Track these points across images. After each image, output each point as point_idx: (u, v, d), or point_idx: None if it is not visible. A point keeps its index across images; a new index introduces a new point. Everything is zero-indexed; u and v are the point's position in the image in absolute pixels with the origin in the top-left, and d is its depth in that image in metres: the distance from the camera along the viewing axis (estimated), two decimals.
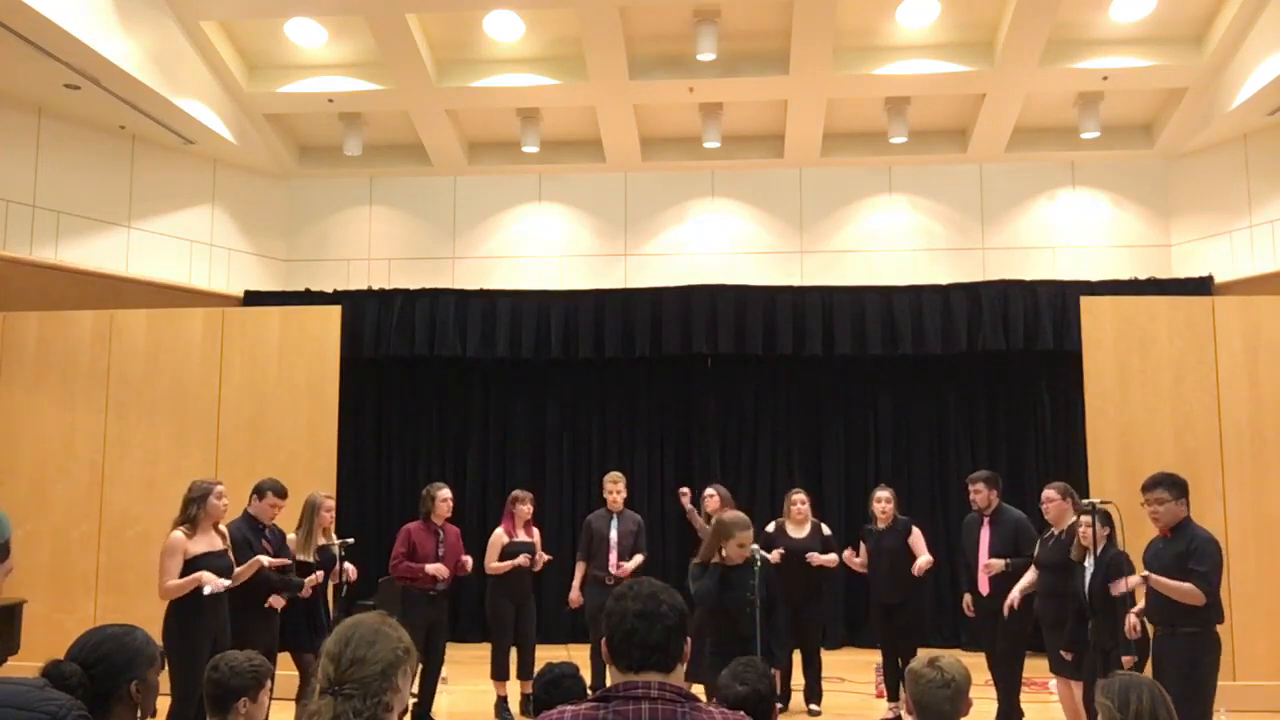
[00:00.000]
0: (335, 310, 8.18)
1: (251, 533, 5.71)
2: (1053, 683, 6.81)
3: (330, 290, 10.07)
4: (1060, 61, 8.64)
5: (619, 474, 7.52)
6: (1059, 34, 8.45)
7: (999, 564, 6.19)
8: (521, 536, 7.06)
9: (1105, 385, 7.37)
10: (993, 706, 6.27)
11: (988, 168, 10.00)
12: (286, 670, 5.93)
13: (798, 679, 7.01)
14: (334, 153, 10.10)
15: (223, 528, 5.45)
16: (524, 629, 6.98)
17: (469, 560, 6.83)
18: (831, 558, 7.13)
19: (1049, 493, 6.04)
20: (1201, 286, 9.25)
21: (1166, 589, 4.81)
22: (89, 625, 2.70)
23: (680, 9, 8.26)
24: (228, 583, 5.14)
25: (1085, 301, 7.70)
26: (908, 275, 9.86)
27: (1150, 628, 5.11)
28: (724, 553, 5.04)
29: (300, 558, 6.06)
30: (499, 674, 6.96)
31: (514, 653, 6.99)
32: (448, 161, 10.14)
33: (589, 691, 3.62)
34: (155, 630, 4.82)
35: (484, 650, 7.18)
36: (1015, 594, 6.09)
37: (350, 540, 6.27)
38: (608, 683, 2.11)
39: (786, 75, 8.74)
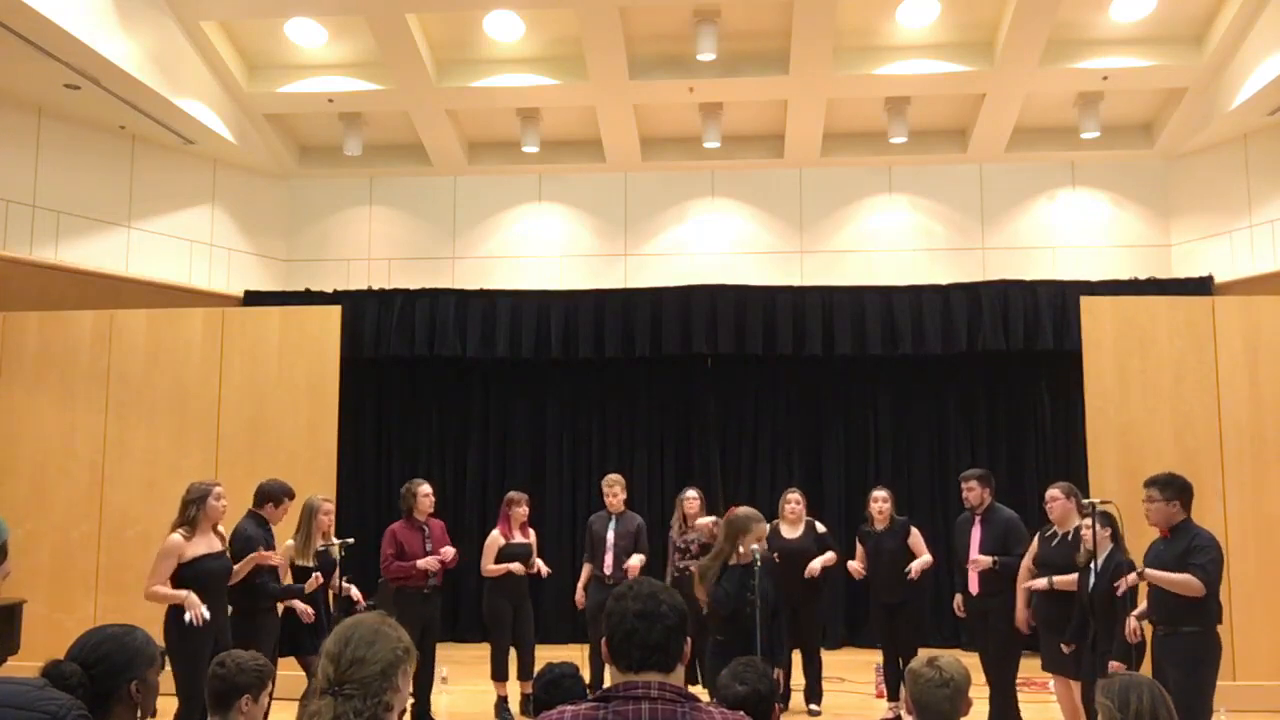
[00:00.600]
0: (335, 310, 8.18)
1: (258, 530, 5.71)
2: (1052, 682, 6.82)
3: (330, 290, 10.07)
4: (1060, 61, 8.64)
5: (618, 476, 7.51)
6: (1059, 34, 8.45)
7: (986, 560, 6.14)
8: (518, 538, 7.05)
9: (1105, 385, 7.37)
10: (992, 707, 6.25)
11: (988, 168, 10.00)
12: (287, 670, 5.93)
13: (798, 679, 7.00)
14: (334, 153, 10.10)
15: (221, 529, 5.44)
16: (522, 629, 6.97)
17: (451, 550, 6.74)
18: (829, 556, 7.09)
19: (1053, 492, 6.02)
20: (1201, 286, 9.26)
21: (1164, 581, 4.81)
22: (89, 625, 2.70)
23: (680, 9, 8.27)
24: (207, 617, 5.00)
25: (1085, 301, 7.70)
26: (908, 275, 9.86)
27: (1149, 628, 5.10)
28: (741, 550, 5.06)
29: (299, 562, 6.05)
30: (498, 674, 6.96)
31: (514, 653, 6.99)
32: (448, 161, 10.14)
33: (589, 691, 3.62)
34: (155, 630, 4.80)
35: (484, 650, 7.18)
36: (1022, 596, 6.07)
37: (350, 540, 6.26)
38: (607, 683, 2.11)
39: (786, 75, 8.74)
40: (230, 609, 5.49)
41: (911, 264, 9.93)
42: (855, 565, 7.09)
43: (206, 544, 5.21)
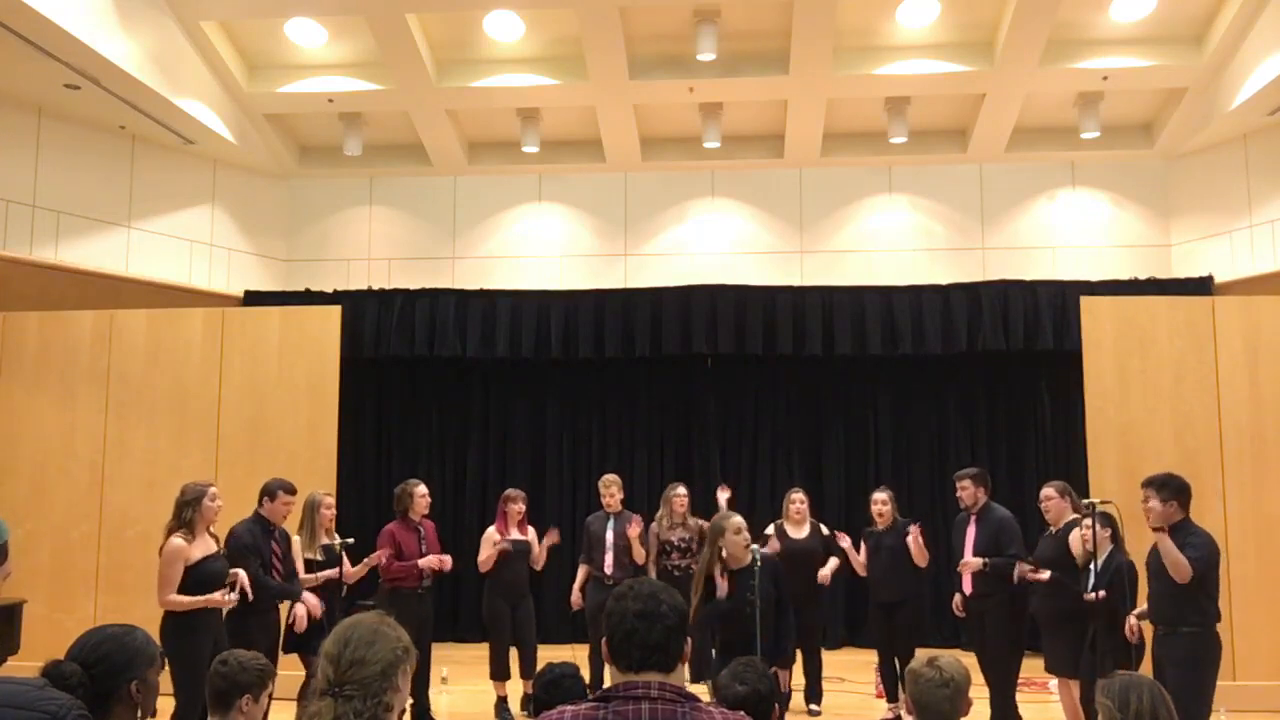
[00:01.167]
0: (335, 310, 8.18)
1: (261, 536, 5.70)
2: (1053, 683, 6.82)
3: (330, 290, 10.07)
4: (1060, 61, 8.64)
5: (615, 476, 7.45)
6: (1059, 34, 8.45)
7: (976, 562, 6.11)
8: (515, 535, 7.05)
9: (1105, 385, 7.37)
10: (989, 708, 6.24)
11: (988, 168, 10.00)
12: (288, 670, 5.92)
13: (798, 679, 6.99)
14: (334, 153, 10.10)
15: (214, 530, 5.41)
16: (522, 630, 6.96)
17: (448, 559, 6.73)
18: (834, 562, 7.15)
19: (1048, 491, 6.04)
20: (1201, 286, 9.25)
21: (1165, 553, 4.77)
22: (89, 625, 2.70)
23: (680, 9, 8.27)
24: (236, 597, 5.06)
25: (1085, 301, 7.70)
26: (908, 275, 9.86)
27: (1148, 629, 5.09)
28: (724, 554, 5.03)
29: (307, 556, 6.08)
30: (499, 674, 6.96)
31: (515, 653, 6.99)
32: (448, 161, 10.14)
33: (589, 692, 3.62)
34: (154, 630, 4.81)
35: (484, 650, 7.18)
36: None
37: (350, 540, 6.26)
38: (607, 683, 2.10)
39: (786, 75, 8.74)
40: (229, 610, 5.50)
41: (911, 264, 9.93)
42: (859, 558, 7.08)
43: (204, 546, 5.19)
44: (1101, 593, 5.10)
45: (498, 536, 6.98)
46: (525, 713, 6.82)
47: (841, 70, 8.77)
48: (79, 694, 2.37)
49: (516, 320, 9.95)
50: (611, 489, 7.33)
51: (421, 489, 6.80)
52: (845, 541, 7.07)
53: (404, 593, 6.48)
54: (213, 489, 5.30)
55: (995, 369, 9.91)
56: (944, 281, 9.79)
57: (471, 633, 9.58)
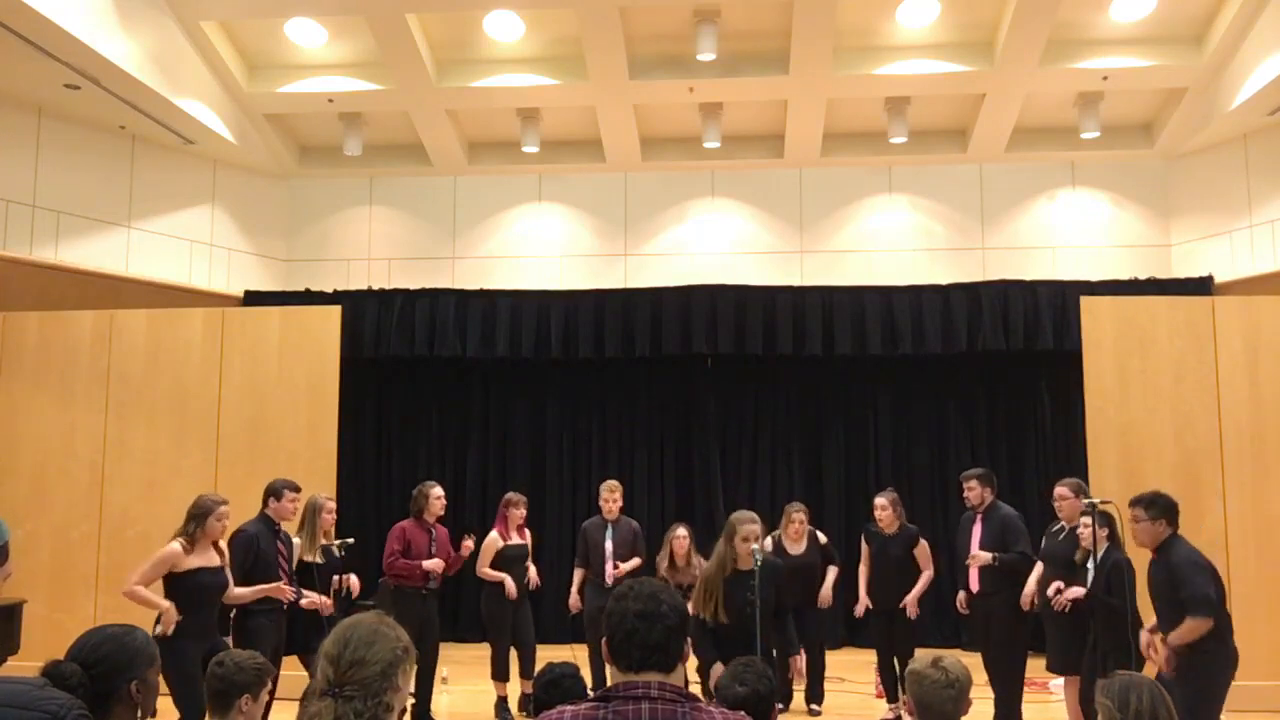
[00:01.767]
0: (335, 310, 8.17)
1: (268, 538, 5.70)
2: (1053, 683, 6.82)
3: (330, 290, 10.07)
4: (1060, 61, 8.64)
5: (616, 483, 7.34)
6: (1059, 34, 8.45)
7: (985, 556, 6.12)
8: (515, 540, 7.05)
9: (1105, 385, 7.37)
10: (991, 708, 6.23)
11: (988, 168, 10.00)
12: (289, 670, 5.92)
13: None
14: (334, 153, 10.10)
15: (222, 545, 5.38)
16: (522, 631, 6.96)
17: (469, 546, 6.74)
18: (833, 575, 7.17)
19: (1061, 489, 6.02)
20: (1201, 286, 9.26)
21: (1179, 639, 4.66)
22: (89, 625, 2.70)
23: (680, 9, 8.27)
24: (167, 634, 4.87)
25: (1085, 301, 7.69)
26: (908, 275, 9.86)
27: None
28: (736, 554, 5.03)
29: (307, 559, 6.07)
30: (499, 675, 6.96)
31: (515, 653, 6.99)
32: (448, 161, 10.14)
33: (589, 691, 3.62)
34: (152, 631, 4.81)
35: (484, 650, 7.18)
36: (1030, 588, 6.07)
37: (350, 540, 6.27)
38: (608, 683, 2.11)
39: (786, 75, 8.74)
40: (234, 610, 5.50)
41: (911, 264, 9.93)
42: (863, 573, 7.07)
43: (204, 558, 5.16)
44: (1081, 590, 5.06)
45: (500, 542, 6.98)
46: (524, 714, 6.82)
47: (841, 70, 8.77)
48: (79, 694, 2.37)
49: (516, 320, 9.96)
50: (614, 495, 7.21)
51: (437, 491, 6.79)
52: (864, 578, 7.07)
53: (407, 592, 6.49)
54: (223, 508, 5.23)
55: (995, 369, 9.91)
56: (944, 281, 9.79)
57: (471, 633, 9.58)
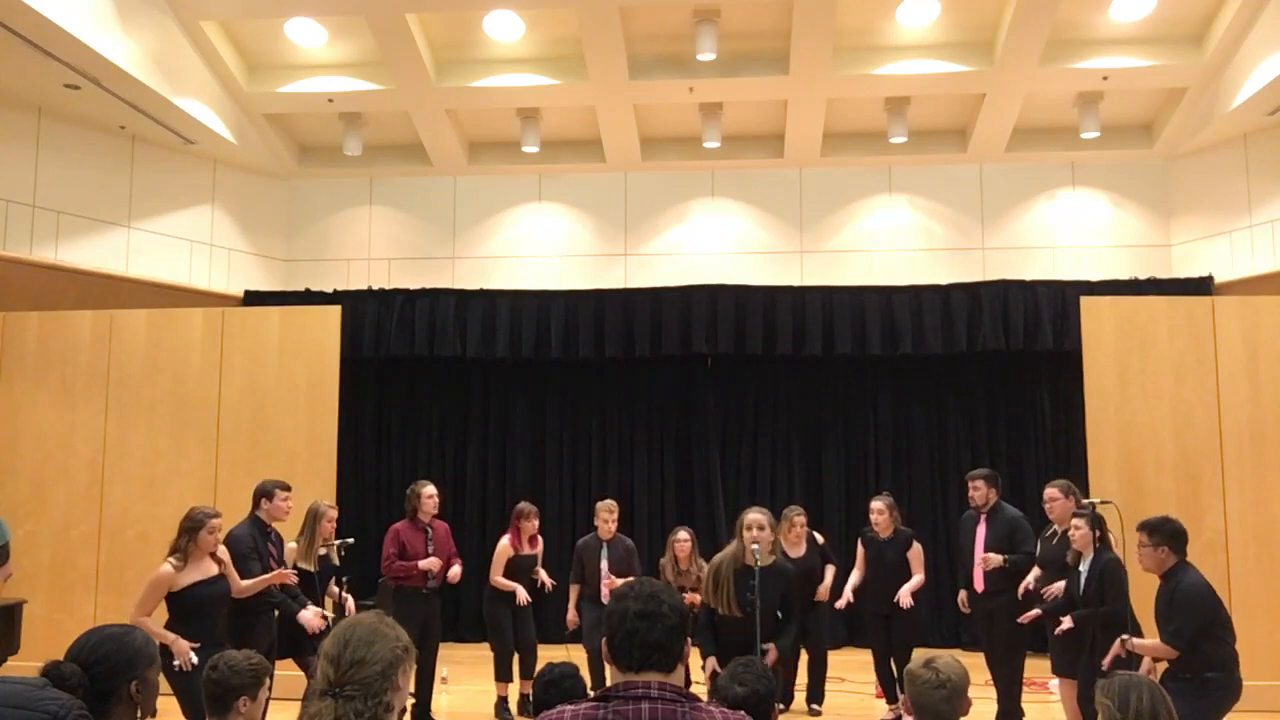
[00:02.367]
0: (335, 310, 8.17)
1: (259, 539, 5.69)
2: (1053, 683, 6.81)
3: (330, 290, 10.07)
4: (1060, 61, 8.64)
5: (613, 502, 7.24)
6: (1059, 34, 8.45)
7: (996, 559, 6.14)
8: (527, 549, 7.05)
9: (1105, 385, 7.37)
10: (993, 707, 6.24)
11: (988, 168, 10.00)
12: (286, 671, 5.93)
13: (800, 678, 7.01)
14: (334, 153, 10.10)
15: (221, 550, 5.36)
16: (523, 634, 6.96)
17: (458, 571, 6.73)
18: (831, 573, 7.19)
19: (1051, 491, 6.02)
20: (1201, 286, 9.26)
21: (1143, 650, 4.77)
22: (89, 625, 2.70)
23: (680, 9, 8.26)
24: (195, 661, 4.86)
25: (1085, 301, 7.69)
26: (908, 275, 9.86)
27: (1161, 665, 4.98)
28: (744, 548, 5.05)
29: (302, 566, 6.05)
30: (500, 676, 6.97)
31: (516, 654, 6.99)
32: (448, 161, 10.14)
33: (589, 691, 3.62)
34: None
35: (484, 650, 7.19)
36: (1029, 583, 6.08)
37: (350, 540, 6.26)
38: (608, 684, 2.11)
39: (786, 75, 8.74)
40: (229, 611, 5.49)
41: (911, 264, 9.93)
42: (855, 580, 7.11)
43: (200, 570, 5.13)
44: (1117, 643, 5.03)
45: (511, 551, 6.98)
46: (524, 714, 6.82)
47: (841, 70, 8.77)
48: (79, 694, 2.37)
49: (516, 320, 9.96)
50: (612, 515, 7.11)
51: (429, 490, 6.78)
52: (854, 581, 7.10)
53: (407, 591, 6.49)
54: (215, 520, 5.16)
55: (995, 369, 9.91)
56: (944, 281, 9.79)
57: (471, 633, 9.59)
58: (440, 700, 7.28)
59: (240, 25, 8.77)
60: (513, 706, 6.94)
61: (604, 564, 6.99)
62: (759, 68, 8.81)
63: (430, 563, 6.55)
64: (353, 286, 10.18)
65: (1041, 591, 5.92)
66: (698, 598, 6.88)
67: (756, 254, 10.09)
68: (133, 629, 2.60)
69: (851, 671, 8.30)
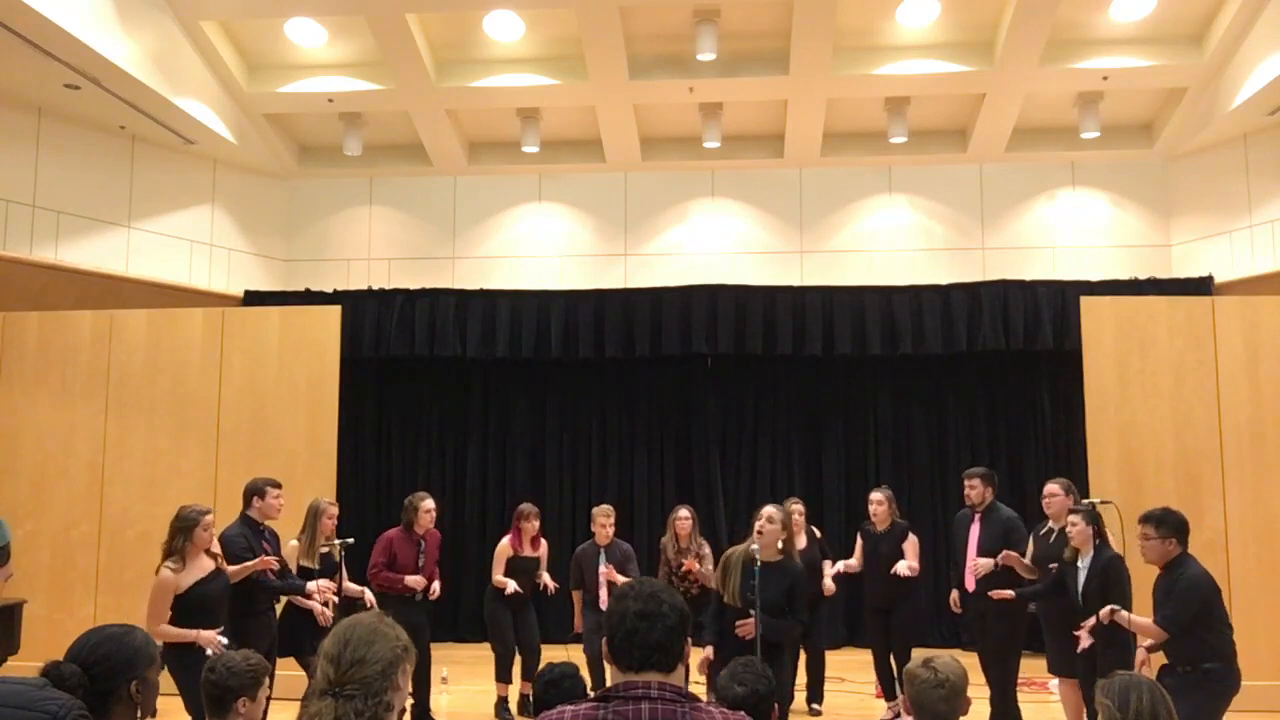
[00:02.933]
0: (335, 310, 8.17)
1: (252, 538, 5.69)
2: (1053, 683, 6.81)
3: (330, 290, 10.07)
4: (1060, 61, 8.64)
5: (609, 507, 7.24)
6: (1059, 34, 8.45)
7: (988, 564, 6.11)
8: (528, 551, 7.05)
9: (1105, 385, 7.36)
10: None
11: (988, 168, 10.00)
12: (291, 671, 5.93)
13: (800, 678, 7.00)
14: (334, 153, 10.10)
15: (216, 546, 5.36)
16: (524, 636, 6.95)
17: (436, 588, 6.69)
18: (828, 566, 7.19)
19: (1052, 487, 6.01)
20: (1201, 286, 9.26)
21: (1130, 625, 4.80)
22: (89, 625, 2.69)
23: (680, 9, 8.26)
24: (225, 642, 4.97)
25: (1085, 301, 7.69)
26: (908, 275, 9.86)
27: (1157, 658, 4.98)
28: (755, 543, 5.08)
29: (304, 564, 6.04)
30: (500, 677, 6.97)
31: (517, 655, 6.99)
32: (448, 161, 10.14)
33: (589, 691, 3.62)
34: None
35: (484, 650, 7.19)
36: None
37: (350, 540, 6.26)
38: (608, 684, 2.11)
39: (786, 75, 8.74)
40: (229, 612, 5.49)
41: (911, 264, 9.94)
42: (851, 563, 7.11)
43: (199, 569, 5.14)
44: (1107, 609, 5.04)
45: (511, 551, 6.98)
46: (524, 714, 6.82)
47: (841, 70, 8.77)
48: (79, 694, 2.37)
49: (516, 320, 9.96)
50: (609, 520, 7.10)
51: (428, 504, 6.73)
52: (850, 565, 7.10)
53: (392, 598, 6.41)
54: (208, 517, 5.16)
55: (995, 369, 9.91)
56: (944, 281, 9.79)
57: (471, 633, 9.58)
58: (440, 700, 7.29)
59: (240, 25, 8.77)
60: (513, 706, 6.95)
61: (602, 569, 6.99)
62: (759, 68, 8.81)
63: (415, 580, 6.49)
64: (353, 286, 10.18)
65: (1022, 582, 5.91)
66: (696, 564, 6.97)
67: (756, 254, 10.09)
68: (133, 629, 2.60)
69: (851, 671, 8.30)
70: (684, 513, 7.25)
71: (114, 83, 8.06)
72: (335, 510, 6.28)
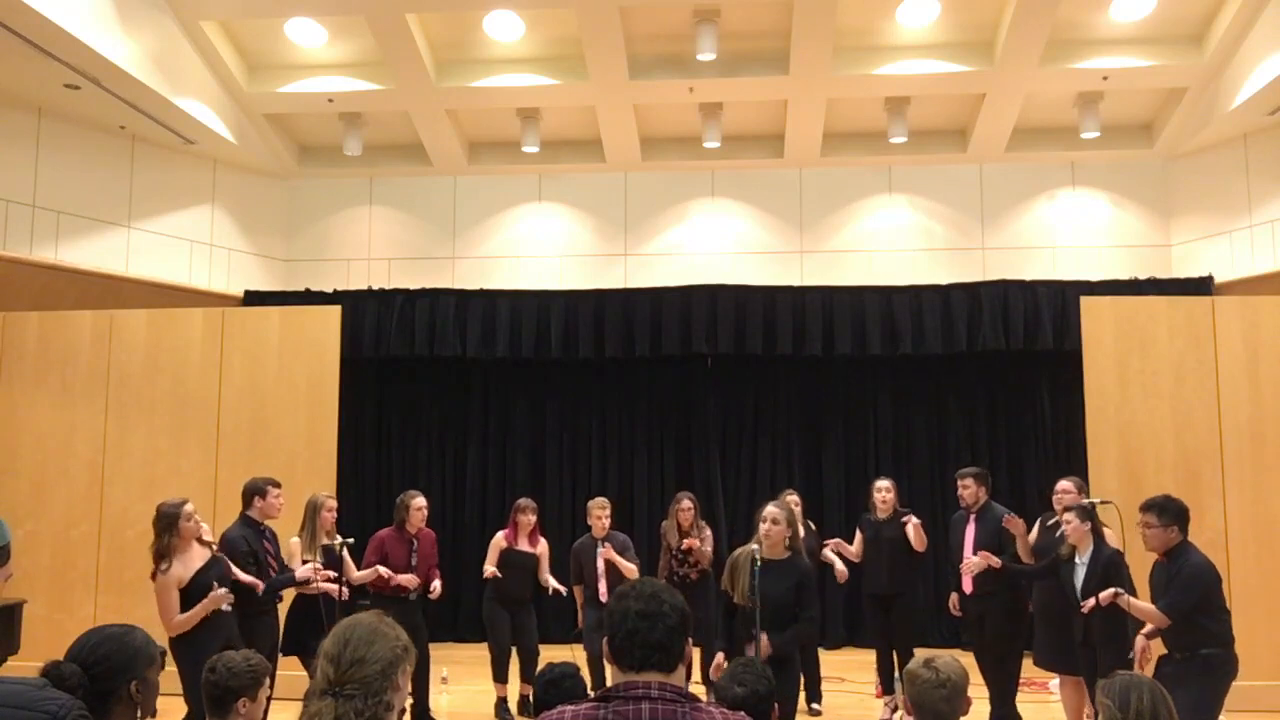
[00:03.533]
0: (335, 310, 8.17)
1: (253, 539, 5.68)
2: (1053, 683, 6.81)
3: (330, 290, 10.07)
4: (1060, 61, 8.64)
5: (604, 500, 7.25)
6: (1059, 34, 8.45)
7: (979, 563, 6.10)
8: (524, 546, 7.03)
9: (1105, 385, 7.37)
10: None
11: (988, 168, 10.00)
12: (292, 671, 5.93)
13: None
14: (334, 153, 10.10)
15: (207, 537, 5.33)
16: (524, 637, 6.94)
17: (438, 586, 6.68)
18: (838, 565, 7.17)
19: (1065, 484, 5.99)
20: (1201, 286, 9.26)
21: (1133, 609, 4.82)
22: (89, 625, 2.69)
23: (680, 9, 8.26)
24: (231, 596, 5.04)
25: (1085, 301, 7.69)
26: (908, 275, 9.86)
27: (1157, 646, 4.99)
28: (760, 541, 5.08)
29: (306, 558, 6.05)
30: (498, 677, 6.97)
31: (516, 655, 6.98)
32: (448, 161, 10.14)
33: (590, 691, 3.62)
34: (155, 630, 4.80)
35: (483, 650, 7.18)
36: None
37: (350, 540, 6.26)
38: (608, 684, 2.11)
39: (786, 75, 8.74)
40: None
41: (911, 264, 9.94)
42: (851, 549, 7.09)
43: (195, 559, 5.13)
44: (1108, 592, 5.07)
45: (504, 544, 6.97)
46: (524, 715, 6.82)
47: (841, 70, 8.77)
48: (79, 694, 2.37)
49: (516, 320, 9.96)
50: (605, 512, 7.10)
51: (418, 502, 6.71)
52: (847, 549, 7.09)
53: (386, 597, 6.38)
54: (187, 506, 5.15)
55: (995, 369, 9.92)
56: (944, 281, 9.80)
57: (471, 633, 9.58)
58: (440, 700, 7.28)
59: (240, 25, 8.77)
60: (513, 706, 6.94)
61: (600, 562, 6.99)
62: (759, 68, 8.81)
63: (407, 578, 6.46)
64: (353, 286, 10.18)
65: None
66: (696, 543, 6.98)
67: (756, 254, 10.09)
68: (133, 629, 2.60)
69: (851, 671, 8.30)
70: (686, 504, 7.27)
71: (114, 83, 8.05)
72: (334, 504, 6.27)
